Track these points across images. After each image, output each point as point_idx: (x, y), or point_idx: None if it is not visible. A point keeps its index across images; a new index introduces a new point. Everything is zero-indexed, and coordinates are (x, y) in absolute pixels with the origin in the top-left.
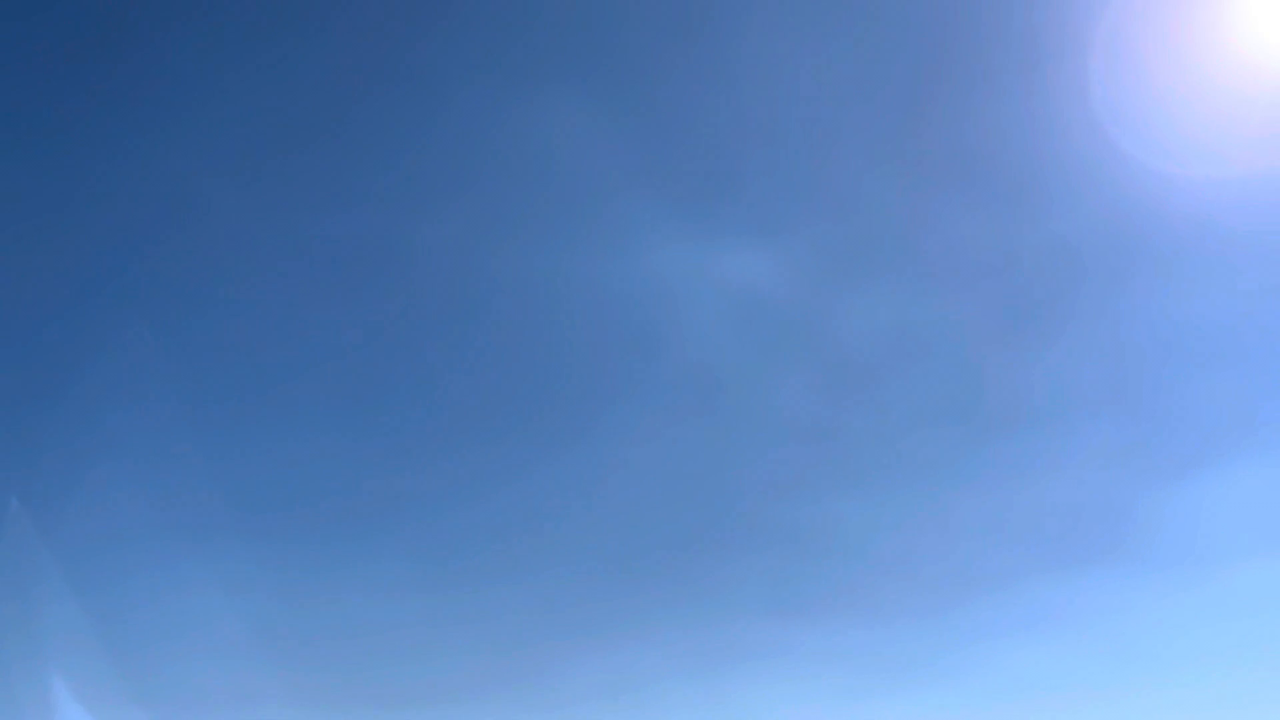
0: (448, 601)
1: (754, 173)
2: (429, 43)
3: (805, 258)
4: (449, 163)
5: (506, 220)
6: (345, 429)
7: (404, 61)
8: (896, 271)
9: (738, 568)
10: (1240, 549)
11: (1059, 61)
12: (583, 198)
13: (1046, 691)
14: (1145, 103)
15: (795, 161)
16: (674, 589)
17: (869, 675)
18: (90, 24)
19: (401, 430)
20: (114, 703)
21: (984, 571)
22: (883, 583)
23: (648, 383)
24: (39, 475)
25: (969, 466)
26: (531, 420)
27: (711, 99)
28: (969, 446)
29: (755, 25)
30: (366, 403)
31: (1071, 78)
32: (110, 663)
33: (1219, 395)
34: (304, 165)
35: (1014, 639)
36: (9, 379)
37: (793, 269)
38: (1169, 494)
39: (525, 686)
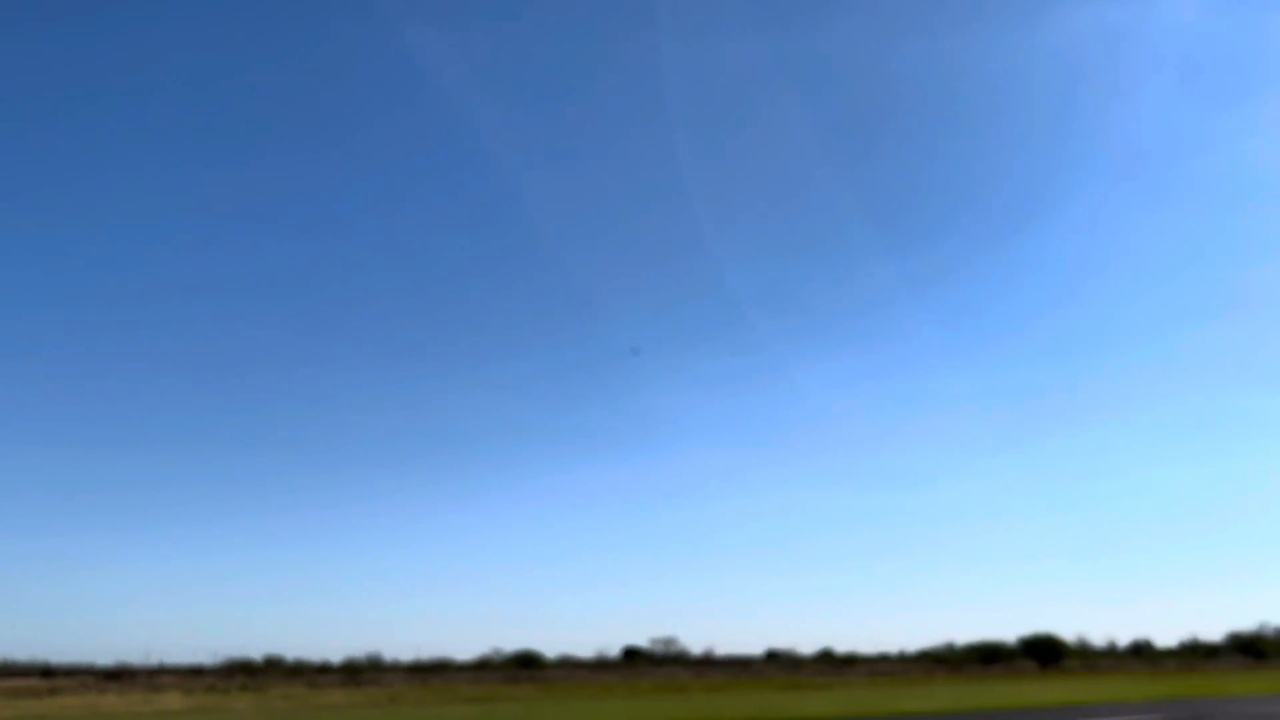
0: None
1: None
2: None
3: None
4: None
5: (906, 19)
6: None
7: None
8: None
9: (1225, 336)
10: None
11: None
12: None
13: None
14: None
15: None
16: (1154, 362)
17: None
18: None
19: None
20: None
21: None
22: None
23: (1088, 158)
24: None
25: None
26: (972, 211)
27: None
28: None
29: None
30: (806, 187)
31: None
32: None
33: None
34: None
35: None
36: None
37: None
38: None
39: None
